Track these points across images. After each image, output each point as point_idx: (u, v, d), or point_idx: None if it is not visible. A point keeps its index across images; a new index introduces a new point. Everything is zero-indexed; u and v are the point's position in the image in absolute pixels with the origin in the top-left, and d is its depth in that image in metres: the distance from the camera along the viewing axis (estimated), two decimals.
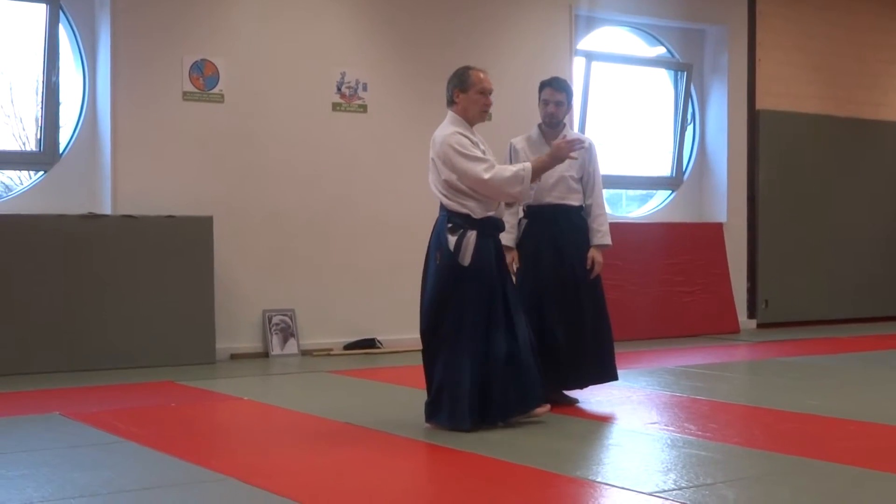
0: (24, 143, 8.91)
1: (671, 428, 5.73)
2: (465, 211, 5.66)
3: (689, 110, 11.76)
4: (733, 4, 11.64)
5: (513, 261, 6.39)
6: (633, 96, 11.57)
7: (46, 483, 4.47)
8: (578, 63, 10.83)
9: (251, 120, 9.12)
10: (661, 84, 11.75)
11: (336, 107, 9.49)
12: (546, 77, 6.85)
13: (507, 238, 6.38)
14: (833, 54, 12.37)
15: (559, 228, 6.38)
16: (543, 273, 6.37)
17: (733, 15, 11.65)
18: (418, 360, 8.70)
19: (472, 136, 5.78)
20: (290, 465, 4.91)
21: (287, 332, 9.12)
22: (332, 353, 9.25)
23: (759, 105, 11.81)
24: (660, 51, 11.75)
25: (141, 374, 7.95)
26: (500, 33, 10.24)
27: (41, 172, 8.75)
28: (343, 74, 9.50)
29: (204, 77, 8.92)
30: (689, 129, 11.81)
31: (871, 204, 12.65)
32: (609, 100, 11.35)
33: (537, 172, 5.78)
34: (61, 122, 8.84)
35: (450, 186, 5.68)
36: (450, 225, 5.66)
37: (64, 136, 8.85)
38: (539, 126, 6.55)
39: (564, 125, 6.63)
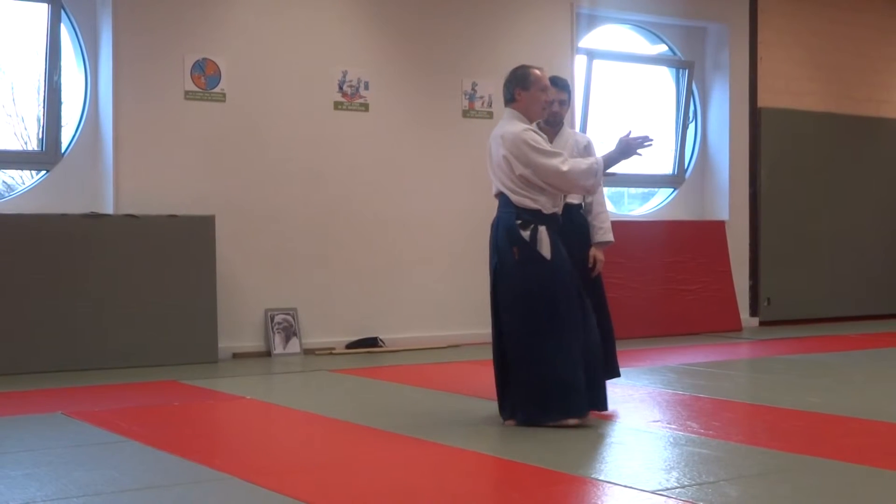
0: (25, 143, 8.92)
1: (673, 426, 5.73)
2: (535, 206, 5.67)
3: (691, 108, 11.75)
4: (735, 2, 11.63)
5: None
6: (635, 94, 11.57)
7: (49, 482, 4.47)
8: (580, 61, 10.83)
9: (253, 119, 9.13)
10: (663, 82, 11.75)
11: (338, 105, 9.49)
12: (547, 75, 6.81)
13: None
14: (835, 51, 12.36)
15: (560, 227, 6.37)
16: None
17: (735, 13, 11.64)
18: (420, 359, 8.75)
19: (538, 133, 5.82)
20: (293, 464, 4.91)
21: (289, 331, 9.13)
22: (334, 352, 9.26)
23: (761, 103, 11.81)
24: (661, 49, 11.75)
25: (143, 373, 7.95)
26: (501, 31, 10.24)
27: (43, 172, 8.75)
28: (345, 73, 9.50)
29: (205, 76, 8.93)
30: (691, 126, 11.81)
31: (873, 201, 12.64)
32: (611, 98, 11.35)
33: (607, 166, 5.78)
34: (63, 122, 8.85)
35: (525, 182, 5.68)
36: (519, 221, 5.66)
37: (66, 136, 8.85)
38: (537, 124, 6.53)
39: (563, 124, 6.63)
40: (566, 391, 5.56)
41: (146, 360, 8.29)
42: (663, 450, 5.18)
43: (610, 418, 5.97)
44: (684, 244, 11.20)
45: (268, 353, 9.05)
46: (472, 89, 10.08)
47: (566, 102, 6.57)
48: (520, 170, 5.68)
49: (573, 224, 6.43)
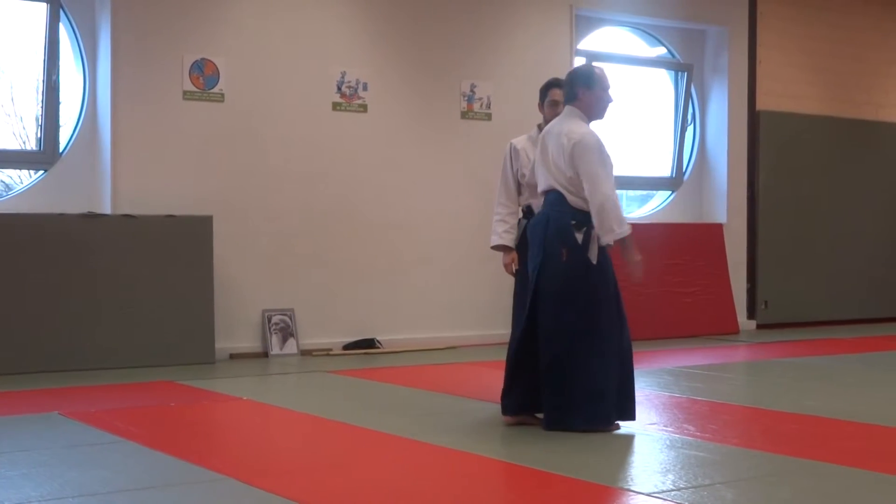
0: (24, 142, 8.91)
1: (670, 428, 5.73)
2: (588, 208, 5.60)
3: (690, 111, 11.75)
4: (734, 5, 11.64)
5: (512, 262, 6.38)
6: (634, 96, 11.56)
7: (45, 482, 4.47)
8: (579, 63, 10.82)
9: (251, 119, 9.12)
10: (662, 84, 11.75)
11: (336, 106, 9.49)
12: (546, 77, 6.83)
13: (507, 238, 6.37)
14: (834, 55, 12.37)
15: None
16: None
17: (734, 16, 11.65)
18: (418, 361, 8.75)
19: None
20: (289, 464, 4.91)
21: (286, 332, 9.12)
22: (331, 352, 9.25)
23: (760, 106, 11.81)
24: (660, 51, 11.75)
25: (140, 373, 7.94)
26: (501, 33, 10.24)
27: (41, 171, 8.75)
28: (343, 74, 9.50)
29: (204, 76, 8.92)
30: (690, 129, 11.81)
31: (871, 205, 12.65)
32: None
33: (626, 242, 5.62)
34: (61, 122, 8.84)
35: (575, 183, 5.63)
36: (574, 221, 5.61)
37: (64, 136, 8.84)
38: (539, 126, 6.53)
39: None
40: (596, 400, 5.53)
41: (143, 361, 8.28)
42: (660, 452, 5.18)
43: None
44: (682, 246, 11.20)
45: (265, 354, 9.04)
46: (471, 91, 10.08)
47: None
48: (571, 171, 5.61)
49: None
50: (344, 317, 9.46)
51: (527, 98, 9.58)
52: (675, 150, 11.71)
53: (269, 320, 9.09)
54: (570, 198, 5.64)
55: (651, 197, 11.83)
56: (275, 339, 9.06)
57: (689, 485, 4.41)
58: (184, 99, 8.85)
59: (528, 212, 6.42)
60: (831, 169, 12.31)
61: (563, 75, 6.77)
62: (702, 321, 11.08)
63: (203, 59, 8.91)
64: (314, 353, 9.18)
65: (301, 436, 5.70)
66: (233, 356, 8.92)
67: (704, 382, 7.58)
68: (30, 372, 7.87)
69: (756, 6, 11.76)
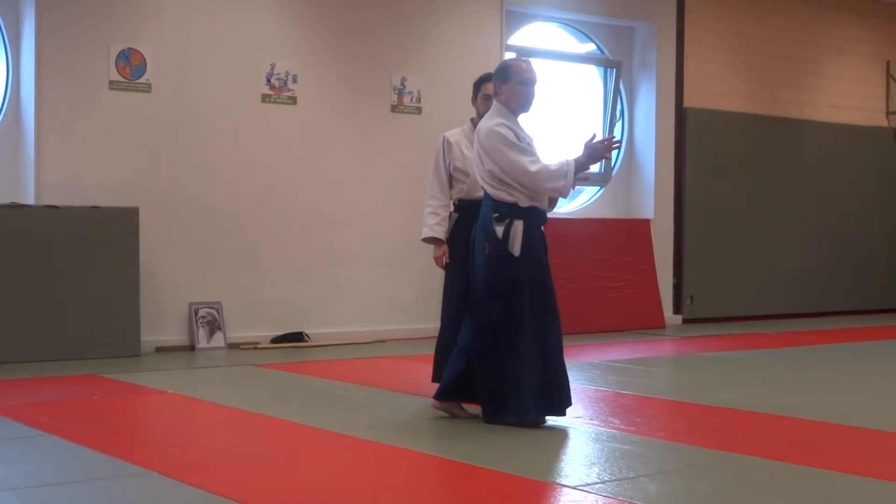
0: None
1: (596, 422, 5.78)
2: (511, 199, 5.60)
3: (619, 107, 11.85)
4: (662, 2, 11.75)
5: (443, 255, 6.38)
6: (564, 92, 11.63)
7: None
8: (509, 58, 10.84)
9: (179, 110, 9.03)
10: (591, 80, 11.82)
11: (265, 98, 9.43)
12: (476, 72, 6.86)
13: (438, 231, 6.38)
14: (760, 53, 12.54)
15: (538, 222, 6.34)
16: (470, 269, 6.35)
17: (662, 13, 11.76)
18: (346, 354, 8.72)
19: (516, 128, 5.73)
20: (215, 459, 4.88)
21: (213, 325, 9.05)
22: (259, 346, 9.20)
23: (687, 103, 11.95)
24: (590, 47, 11.83)
25: (64, 366, 7.84)
26: (432, 27, 10.25)
27: None
28: (273, 66, 9.44)
29: (131, 66, 8.81)
30: (618, 125, 11.91)
31: (795, 202, 12.86)
32: (539, 95, 11.36)
33: (578, 169, 5.70)
34: None
35: (494, 177, 5.63)
36: (496, 214, 5.61)
37: None
38: (472, 120, 6.55)
39: None
40: (520, 394, 5.54)
41: (66, 354, 8.17)
42: (585, 445, 5.22)
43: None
44: (610, 242, 11.30)
45: (191, 347, 8.97)
46: (402, 84, 10.07)
47: None
48: (489, 164, 5.63)
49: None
50: (272, 310, 9.41)
51: (457, 92, 9.63)
52: None
53: (196, 313, 9.02)
54: (492, 191, 5.66)
55: (580, 192, 11.90)
56: (202, 333, 8.99)
57: (613, 477, 4.45)
58: (110, 89, 8.73)
59: (459, 205, 6.43)
60: (756, 166, 12.49)
61: (492, 70, 6.79)
62: (628, 316, 11.20)
63: (130, 48, 8.80)
64: (241, 347, 9.12)
65: (227, 430, 5.66)
66: (159, 349, 8.83)
67: (630, 376, 7.66)
68: None
69: (684, 4, 11.89)
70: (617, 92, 11.74)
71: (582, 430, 5.54)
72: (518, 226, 5.60)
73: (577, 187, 5.82)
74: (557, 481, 4.39)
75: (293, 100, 9.55)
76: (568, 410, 5.73)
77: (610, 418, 5.88)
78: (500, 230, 5.59)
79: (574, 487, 4.27)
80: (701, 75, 12.06)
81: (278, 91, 9.48)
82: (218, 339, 9.03)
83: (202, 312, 9.04)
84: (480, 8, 10.51)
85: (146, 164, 8.89)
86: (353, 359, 8.56)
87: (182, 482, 4.33)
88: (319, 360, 8.45)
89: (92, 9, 8.66)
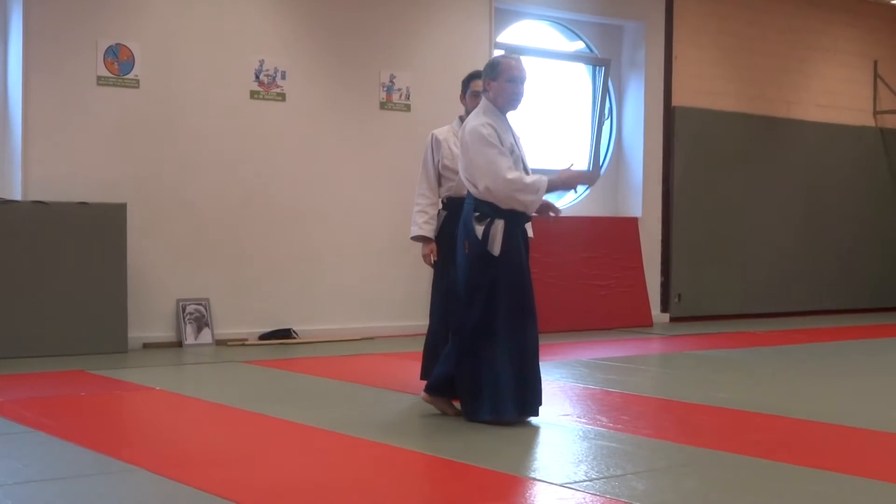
0: None
1: (583, 420, 5.78)
2: (491, 199, 5.57)
3: (607, 105, 11.86)
4: (651, 1, 11.77)
5: (430, 252, 6.38)
6: (552, 90, 11.63)
7: None
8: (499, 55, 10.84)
9: (167, 106, 9.01)
10: (580, 78, 11.83)
11: (254, 95, 9.41)
12: (465, 69, 6.86)
13: (427, 229, 6.37)
14: (748, 52, 12.57)
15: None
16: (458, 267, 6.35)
17: (651, 11, 11.78)
18: (334, 351, 8.72)
19: (501, 129, 5.69)
20: (202, 455, 4.87)
21: (201, 322, 9.03)
22: (246, 343, 9.19)
23: (676, 101, 11.97)
24: (579, 45, 11.84)
25: (51, 362, 7.81)
26: (421, 25, 10.24)
27: None
28: (262, 62, 9.42)
29: (119, 62, 8.79)
30: (607, 123, 11.92)
31: (782, 200, 12.89)
32: (528, 93, 11.36)
33: (549, 190, 5.65)
34: None
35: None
36: (476, 213, 5.58)
37: None
38: (460, 117, 6.55)
39: None
40: (497, 393, 5.53)
41: (54, 350, 8.15)
42: (572, 443, 5.23)
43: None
44: (598, 240, 11.31)
45: (179, 344, 8.95)
46: (390, 81, 10.06)
47: None
48: (467, 162, 5.62)
49: None
50: (260, 307, 9.39)
51: (445, 90, 9.62)
52: (592, 144, 11.80)
53: (184, 310, 9.00)
54: (474, 189, 5.64)
55: (568, 190, 11.89)
56: (189, 329, 8.97)
57: (600, 475, 4.46)
58: (98, 84, 8.71)
59: (448, 203, 6.42)
60: (744, 164, 12.52)
61: (481, 68, 6.77)
62: (616, 314, 11.21)
63: (118, 44, 8.77)
64: (229, 344, 9.11)
65: (214, 427, 5.65)
66: (146, 346, 8.81)
67: (618, 374, 7.67)
68: None
69: (673, 3, 11.91)
70: (606, 90, 11.75)
71: (570, 428, 5.55)
72: (498, 225, 5.58)
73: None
74: (545, 479, 4.39)
75: (282, 96, 9.54)
76: (554, 410, 5.73)
77: (597, 416, 5.89)
78: (479, 229, 5.57)
79: (561, 485, 4.28)
80: (689, 74, 12.08)
81: (267, 87, 9.46)
82: (205, 336, 9.01)
83: (190, 309, 9.02)
84: (469, 5, 10.51)
85: (134, 160, 8.86)
86: (340, 356, 8.56)
87: (169, 478, 4.32)
88: (307, 357, 8.44)
89: (80, 4, 8.63)
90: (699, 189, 12.13)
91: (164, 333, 8.97)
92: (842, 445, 5.29)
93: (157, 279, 8.93)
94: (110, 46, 8.74)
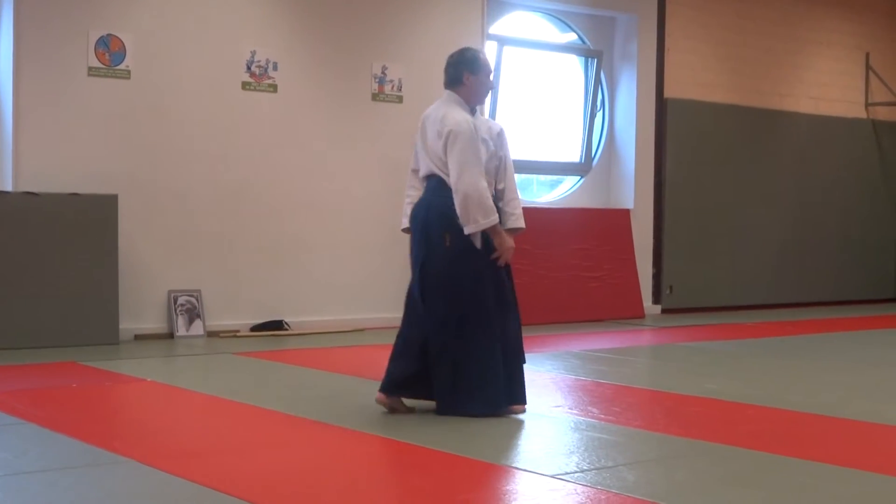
0: None
1: (575, 411, 5.80)
2: (455, 196, 5.52)
3: (599, 97, 11.86)
4: None
5: None
6: (544, 82, 11.63)
7: None
8: (490, 47, 10.85)
9: (158, 97, 8.99)
10: (572, 70, 11.83)
11: (246, 86, 9.40)
12: None
13: None
14: (741, 45, 12.57)
15: None
16: None
17: (644, 3, 11.77)
18: (326, 343, 8.72)
19: (480, 129, 5.69)
20: (194, 447, 4.87)
21: (193, 313, 9.03)
22: (238, 334, 9.18)
23: (668, 94, 11.96)
24: (571, 37, 11.83)
25: (42, 354, 7.80)
26: (411, 15, 10.22)
27: None
28: (253, 53, 9.41)
29: (110, 52, 8.77)
30: (599, 115, 11.92)
31: (774, 192, 12.90)
32: (520, 85, 11.40)
33: (492, 226, 5.55)
34: None
35: None
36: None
37: None
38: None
39: (476, 110, 6.62)
40: (486, 384, 5.52)
41: (45, 341, 8.14)
42: (564, 434, 5.24)
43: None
44: (590, 232, 11.32)
45: (170, 335, 8.94)
46: (382, 73, 10.05)
47: None
48: (447, 157, 5.56)
49: None
50: (251, 298, 9.39)
51: (437, 81, 9.56)
52: (584, 135, 11.81)
53: (175, 301, 8.99)
54: (447, 179, 5.59)
55: (560, 182, 11.92)
56: (181, 321, 8.96)
57: (592, 466, 4.47)
58: (89, 75, 8.68)
59: None
60: (736, 157, 12.53)
61: None
62: (608, 305, 11.22)
63: (109, 34, 8.75)
64: (221, 335, 9.10)
65: (206, 418, 5.65)
66: (137, 337, 8.80)
67: (609, 366, 7.68)
68: None
69: None
70: (598, 82, 11.75)
71: (561, 420, 5.56)
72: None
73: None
74: (536, 470, 4.40)
75: (273, 88, 9.52)
76: (545, 401, 5.73)
77: (589, 407, 5.90)
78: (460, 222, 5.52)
79: (552, 476, 4.29)
80: (682, 66, 12.08)
81: (258, 79, 9.45)
82: (197, 327, 9.00)
83: (181, 300, 9.01)
84: None
85: (125, 151, 8.84)
86: (332, 347, 8.56)
87: (160, 470, 4.32)
88: (299, 349, 8.44)
89: None
90: (691, 181, 12.13)
91: (155, 325, 8.96)
92: (833, 437, 5.31)
93: (148, 270, 8.92)
94: (102, 37, 8.72)
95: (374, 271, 9.93)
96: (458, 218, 5.52)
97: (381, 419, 5.50)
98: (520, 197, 6.59)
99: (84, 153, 8.66)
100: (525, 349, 6.60)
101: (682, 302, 12.03)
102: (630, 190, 11.77)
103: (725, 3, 12.41)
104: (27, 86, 8.45)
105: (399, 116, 10.05)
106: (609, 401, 6.15)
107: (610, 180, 11.96)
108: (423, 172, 5.79)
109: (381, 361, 7.63)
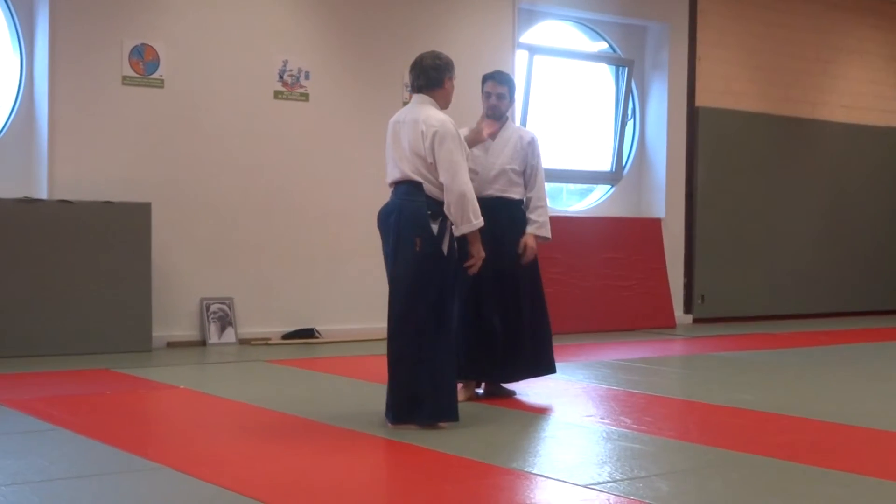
0: None
1: (607, 421, 5.78)
2: (446, 195, 5.53)
3: (630, 106, 11.83)
4: (675, 2, 11.73)
5: None
6: (575, 91, 11.62)
7: None
8: (521, 56, 10.85)
9: (191, 106, 9.04)
10: (603, 79, 11.82)
11: (278, 95, 9.44)
12: (488, 70, 6.86)
13: None
14: (773, 53, 12.52)
15: (498, 221, 6.26)
16: (482, 265, 6.33)
17: (675, 12, 11.74)
18: (356, 351, 8.72)
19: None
20: (226, 454, 4.89)
21: (225, 321, 9.06)
22: (270, 342, 9.21)
23: (699, 102, 11.93)
24: (602, 46, 11.82)
25: (76, 361, 7.85)
26: (442, 24, 10.24)
27: None
28: (285, 62, 9.45)
29: (144, 62, 8.83)
30: (630, 124, 11.89)
31: (806, 202, 12.83)
32: (551, 94, 11.39)
33: (474, 235, 5.61)
34: None
35: (433, 172, 5.56)
36: (430, 212, 5.52)
37: None
38: (484, 117, 6.55)
39: (507, 118, 6.65)
40: (441, 393, 5.48)
41: (79, 348, 8.19)
42: (596, 444, 5.22)
43: (545, 412, 6.01)
44: (621, 241, 11.29)
45: (203, 343, 8.98)
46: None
47: (506, 97, 6.58)
48: (431, 159, 5.54)
49: (512, 219, 6.45)
50: (283, 306, 9.42)
51: (467, 90, 9.61)
52: (615, 144, 11.78)
53: (208, 309, 9.03)
54: (428, 186, 5.56)
55: (591, 191, 11.90)
56: (213, 328, 9.00)
57: (624, 476, 4.45)
58: (123, 84, 8.75)
59: None
60: (768, 165, 12.47)
61: (504, 68, 6.77)
62: (639, 315, 11.18)
63: (143, 44, 8.82)
64: (253, 343, 9.13)
65: (238, 425, 5.67)
66: (170, 344, 8.85)
67: (641, 375, 7.65)
68: None
69: (697, 3, 11.87)
70: (629, 91, 11.73)
71: (593, 429, 5.54)
72: (449, 225, 5.54)
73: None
74: (569, 480, 4.39)
75: (305, 96, 9.56)
76: (577, 411, 5.70)
77: (621, 417, 5.88)
78: (435, 227, 5.50)
79: (585, 486, 4.28)
80: (713, 75, 12.04)
81: (291, 88, 9.49)
82: (229, 335, 9.04)
83: (213, 308, 9.05)
84: (492, 5, 10.50)
85: (159, 159, 8.90)
86: (363, 355, 8.57)
87: (193, 476, 4.34)
88: (330, 357, 8.46)
89: (105, 4, 8.68)
90: (723, 190, 12.09)
91: (188, 332, 9.00)
92: (867, 448, 5.26)
93: (181, 278, 8.96)
94: (135, 46, 8.78)
95: None
96: (432, 222, 5.48)
97: (412, 429, 5.50)
98: (548, 206, 6.60)
99: (118, 161, 8.72)
100: (556, 358, 6.65)
101: (713, 311, 11.97)
102: (661, 199, 11.74)
103: (757, 12, 12.37)
104: (62, 95, 8.52)
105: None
106: (641, 411, 6.13)
107: (641, 189, 11.93)
108: (391, 178, 5.75)
109: None
